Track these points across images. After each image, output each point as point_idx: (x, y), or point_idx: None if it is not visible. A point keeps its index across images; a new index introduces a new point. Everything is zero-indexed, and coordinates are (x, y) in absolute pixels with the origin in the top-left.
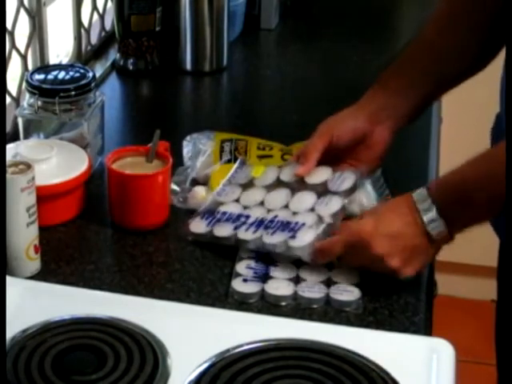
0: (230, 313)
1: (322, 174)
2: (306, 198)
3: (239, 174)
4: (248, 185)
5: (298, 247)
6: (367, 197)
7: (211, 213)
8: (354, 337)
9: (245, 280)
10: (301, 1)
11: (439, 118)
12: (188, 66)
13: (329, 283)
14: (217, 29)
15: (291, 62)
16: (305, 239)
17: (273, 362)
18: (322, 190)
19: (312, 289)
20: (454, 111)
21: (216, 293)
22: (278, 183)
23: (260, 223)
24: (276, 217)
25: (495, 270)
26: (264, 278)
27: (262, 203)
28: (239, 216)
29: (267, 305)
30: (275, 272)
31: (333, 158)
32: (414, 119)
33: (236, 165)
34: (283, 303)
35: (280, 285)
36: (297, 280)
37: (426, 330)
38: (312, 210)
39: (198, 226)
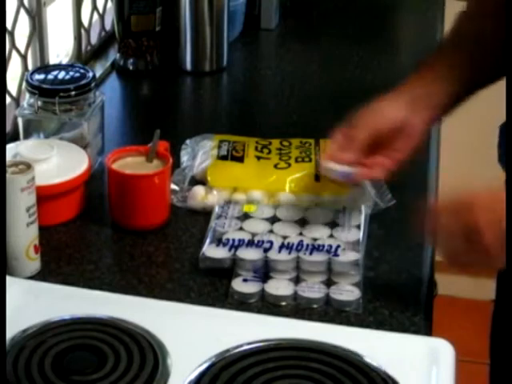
0: (230, 313)
1: (325, 215)
2: (320, 228)
3: (230, 210)
4: (244, 218)
5: (347, 262)
6: (365, 194)
7: (225, 240)
8: (354, 337)
9: (245, 280)
10: (301, 1)
11: None
12: (188, 66)
13: (329, 283)
14: (217, 29)
15: (291, 61)
16: (350, 256)
17: (273, 362)
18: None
19: (312, 289)
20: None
21: (216, 293)
22: (277, 219)
23: (289, 246)
24: (302, 241)
25: (495, 270)
26: (264, 277)
27: (271, 231)
28: (260, 242)
29: (267, 305)
30: (275, 272)
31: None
32: (452, 108)
33: (217, 208)
34: (283, 303)
35: (280, 285)
36: (297, 280)
37: (426, 329)
38: (331, 236)
39: (215, 252)
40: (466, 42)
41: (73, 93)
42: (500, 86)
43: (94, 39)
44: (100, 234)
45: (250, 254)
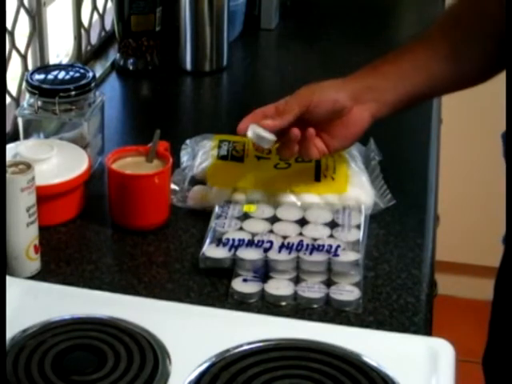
0: (230, 313)
1: (325, 215)
2: (320, 228)
3: (230, 210)
4: (244, 218)
5: (347, 262)
6: (365, 194)
7: (225, 240)
8: (354, 337)
9: (245, 280)
10: (301, 1)
11: (439, 119)
12: (188, 66)
13: (329, 283)
14: (217, 29)
15: (291, 62)
16: (350, 256)
17: (273, 362)
18: (331, 225)
19: (312, 289)
20: (454, 112)
21: (216, 293)
22: (277, 219)
23: (289, 246)
24: (302, 241)
25: (495, 270)
26: (264, 278)
27: (271, 231)
28: (260, 242)
29: (267, 305)
30: (275, 272)
31: (306, 126)
32: (397, 111)
33: (217, 208)
34: (283, 303)
35: (280, 285)
36: (297, 280)
37: (426, 329)
38: (331, 236)
39: (215, 252)
40: (420, 50)
41: (73, 93)
42: (501, 87)
43: (94, 39)
44: (100, 234)
45: (250, 254)
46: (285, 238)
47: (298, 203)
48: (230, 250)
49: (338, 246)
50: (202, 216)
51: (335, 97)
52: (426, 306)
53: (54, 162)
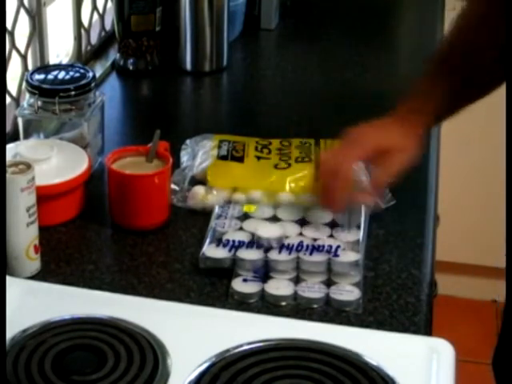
0: (230, 313)
1: (325, 215)
2: (320, 228)
3: (230, 210)
4: (244, 218)
5: (347, 262)
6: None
7: (225, 241)
8: (354, 337)
9: (245, 280)
10: (301, 1)
11: None
12: (188, 66)
13: (329, 283)
14: (217, 29)
15: (291, 62)
16: (350, 256)
17: (273, 362)
18: (331, 225)
19: (312, 289)
20: None
21: (216, 293)
22: (277, 219)
23: (289, 246)
24: (302, 241)
25: (495, 270)
26: (264, 277)
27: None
28: (260, 243)
29: (267, 305)
30: (275, 272)
31: None
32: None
33: (217, 208)
34: (283, 303)
35: (280, 285)
36: (297, 280)
37: (426, 329)
38: (331, 236)
39: (215, 252)
40: (453, 57)
41: (73, 93)
42: (501, 87)
43: (94, 39)
44: (100, 234)
45: (250, 254)
46: (285, 238)
47: (298, 203)
48: (230, 250)
49: (338, 246)
50: (201, 216)
51: (398, 138)
52: (426, 306)
53: (54, 161)
